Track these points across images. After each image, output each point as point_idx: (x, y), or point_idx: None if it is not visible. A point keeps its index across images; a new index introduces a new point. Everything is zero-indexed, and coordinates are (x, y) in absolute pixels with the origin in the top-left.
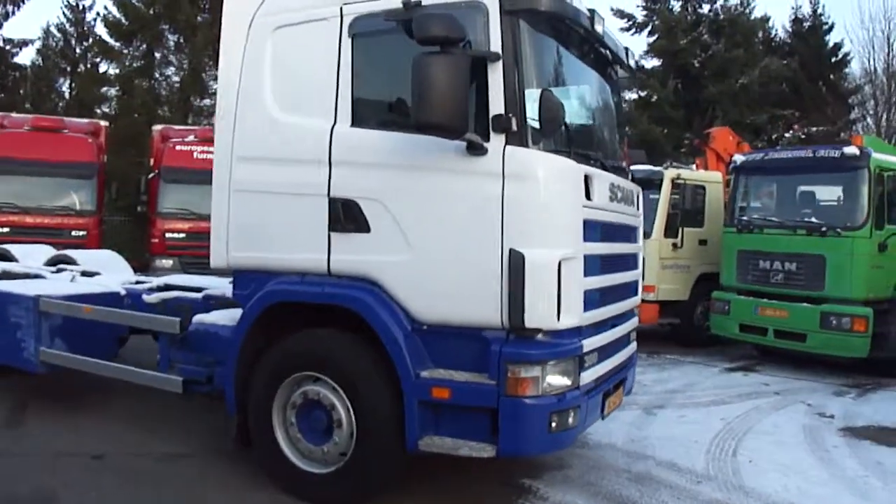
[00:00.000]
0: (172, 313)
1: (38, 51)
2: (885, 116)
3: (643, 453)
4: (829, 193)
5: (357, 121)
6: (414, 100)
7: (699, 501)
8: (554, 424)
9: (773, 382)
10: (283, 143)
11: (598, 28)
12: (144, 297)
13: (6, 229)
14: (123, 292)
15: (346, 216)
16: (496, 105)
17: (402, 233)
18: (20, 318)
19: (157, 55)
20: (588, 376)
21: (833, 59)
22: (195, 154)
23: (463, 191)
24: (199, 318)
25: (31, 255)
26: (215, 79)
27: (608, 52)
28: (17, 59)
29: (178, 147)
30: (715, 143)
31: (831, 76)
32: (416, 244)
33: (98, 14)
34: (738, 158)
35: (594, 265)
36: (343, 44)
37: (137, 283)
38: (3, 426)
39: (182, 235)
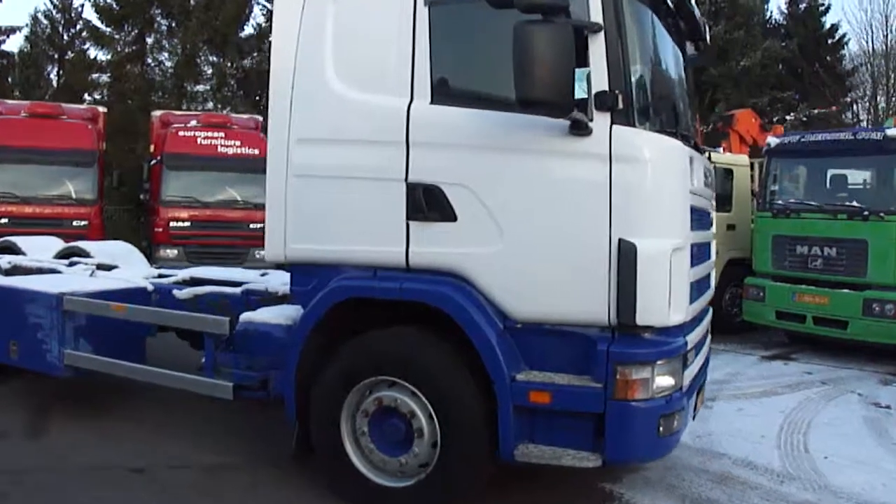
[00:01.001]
0: (207, 310)
1: (27, 38)
2: (883, 98)
3: (714, 451)
4: (869, 176)
5: (437, 97)
6: (516, 73)
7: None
8: (662, 429)
9: (816, 371)
10: (350, 123)
11: None
12: (175, 292)
13: (5, 220)
14: (151, 287)
15: (428, 203)
16: (599, 81)
17: (493, 221)
18: (41, 319)
19: (150, 40)
20: (688, 375)
21: (830, 41)
22: (199, 140)
23: (564, 175)
24: (246, 316)
25: (39, 248)
26: (210, 64)
27: (693, 24)
28: (4, 47)
29: (180, 133)
30: (738, 126)
31: (828, 58)
32: (511, 234)
33: None
34: (773, 141)
35: (693, 255)
36: (418, 12)
37: (160, 276)
38: (25, 437)
39: (187, 224)
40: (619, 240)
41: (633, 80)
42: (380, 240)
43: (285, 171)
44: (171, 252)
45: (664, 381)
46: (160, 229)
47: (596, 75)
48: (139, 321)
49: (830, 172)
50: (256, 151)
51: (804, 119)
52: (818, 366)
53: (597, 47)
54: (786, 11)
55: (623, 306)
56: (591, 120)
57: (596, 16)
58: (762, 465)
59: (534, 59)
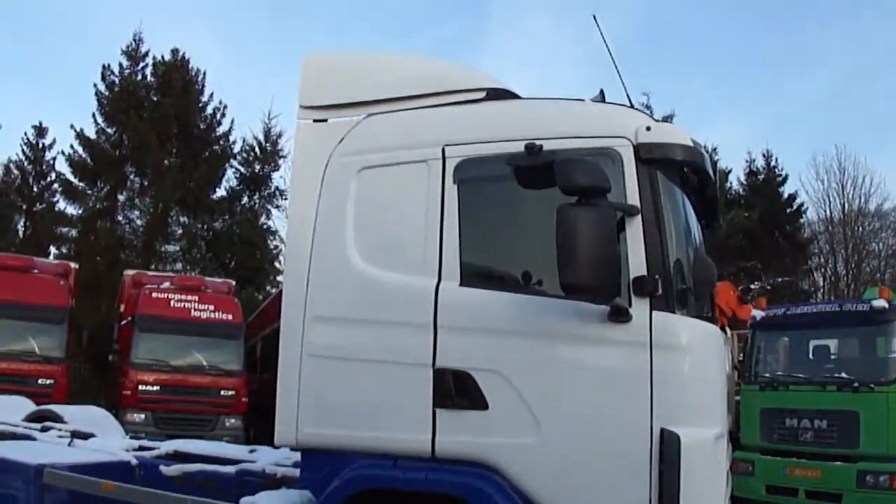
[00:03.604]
0: (198, 490)
1: None
2: (843, 265)
3: None
4: (856, 348)
5: (467, 278)
6: (560, 257)
7: None
8: None
9: None
10: (372, 302)
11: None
12: (162, 468)
13: None
14: (134, 462)
15: (458, 390)
16: (637, 266)
17: (529, 411)
18: (17, 491)
19: (122, 197)
20: None
21: (788, 210)
22: (172, 302)
23: (604, 363)
24: (248, 501)
25: (8, 409)
26: (181, 224)
27: (712, 205)
28: None
29: (153, 294)
30: (718, 298)
31: (787, 227)
32: (547, 424)
33: (62, 152)
34: (758, 314)
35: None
36: (447, 190)
37: (140, 448)
38: None
39: (156, 388)
40: (662, 430)
41: (670, 263)
42: (403, 427)
43: (299, 350)
44: (139, 416)
45: None
46: (128, 392)
47: (633, 260)
48: (129, 502)
49: (817, 344)
50: (230, 316)
51: (768, 287)
52: None
53: (634, 231)
54: (745, 182)
55: (666, 500)
56: (631, 306)
57: (633, 198)
58: None
59: (579, 243)
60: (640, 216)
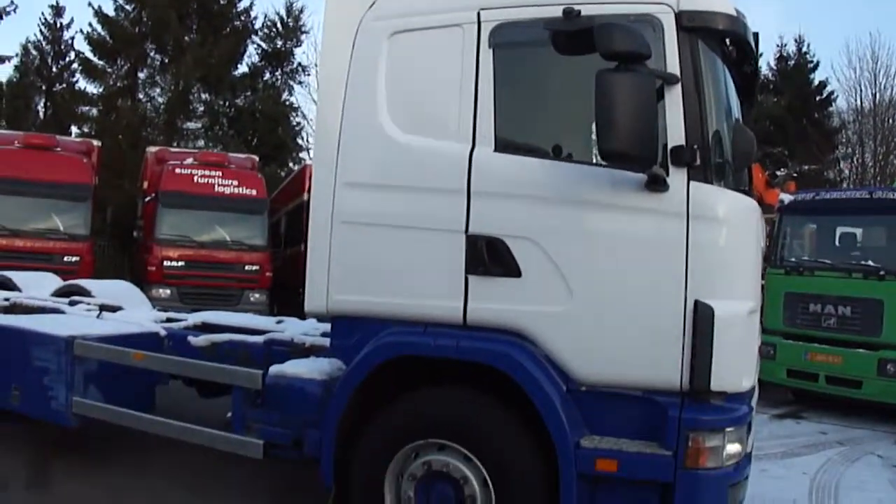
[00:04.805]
0: (226, 359)
1: (16, 68)
2: (870, 156)
3: None
4: (883, 236)
5: (502, 145)
6: (598, 123)
7: None
8: (730, 498)
9: (831, 431)
10: (405, 168)
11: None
12: (191, 339)
13: None
14: (163, 333)
15: (491, 257)
16: (676, 135)
17: (562, 279)
18: (48, 363)
19: (142, 75)
20: (750, 441)
21: (818, 98)
22: (195, 178)
23: (639, 232)
24: (277, 370)
25: (36, 285)
26: (202, 102)
27: (750, 79)
28: None
29: (177, 170)
30: None
31: (816, 115)
32: (579, 292)
33: (80, 30)
34: (787, 198)
35: None
36: (482, 55)
37: (168, 320)
38: (25, 488)
39: (181, 263)
40: (696, 301)
41: (709, 134)
42: (434, 294)
43: (330, 217)
44: (165, 292)
45: (733, 448)
46: (153, 268)
47: (672, 129)
48: (158, 370)
49: (844, 231)
50: (254, 192)
51: (794, 175)
52: (830, 425)
53: (673, 99)
54: (774, 68)
55: (697, 371)
56: (668, 175)
57: (673, 66)
58: None
59: (618, 109)
60: (679, 85)
